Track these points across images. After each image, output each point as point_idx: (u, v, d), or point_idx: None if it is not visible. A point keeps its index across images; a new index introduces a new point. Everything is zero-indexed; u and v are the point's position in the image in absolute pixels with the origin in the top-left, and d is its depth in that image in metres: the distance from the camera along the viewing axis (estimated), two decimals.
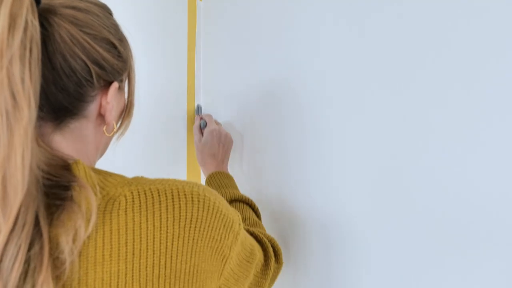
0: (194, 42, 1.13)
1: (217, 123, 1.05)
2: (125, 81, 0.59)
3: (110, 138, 0.61)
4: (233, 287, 0.58)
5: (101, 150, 0.59)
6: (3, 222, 0.39)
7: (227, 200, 0.81)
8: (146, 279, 0.46)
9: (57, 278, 0.43)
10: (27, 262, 0.41)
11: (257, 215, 0.85)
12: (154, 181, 0.50)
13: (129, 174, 0.53)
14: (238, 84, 1.03)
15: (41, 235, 0.42)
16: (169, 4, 1.10)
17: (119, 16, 0.61)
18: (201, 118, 1.06)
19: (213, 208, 0.51)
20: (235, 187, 0.89)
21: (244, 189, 1.00)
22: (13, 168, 0.40)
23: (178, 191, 0.49)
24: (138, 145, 1.06)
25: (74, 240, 0.43)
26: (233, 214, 0.55)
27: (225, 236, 0.53)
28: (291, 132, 0.90)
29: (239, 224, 0.56)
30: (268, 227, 0.95)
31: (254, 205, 0.84)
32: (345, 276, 0.81)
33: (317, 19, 0.85)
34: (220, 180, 0.88)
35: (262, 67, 0.96)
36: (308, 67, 0.86)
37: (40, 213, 0.42)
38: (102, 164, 0.65)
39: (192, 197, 0.50)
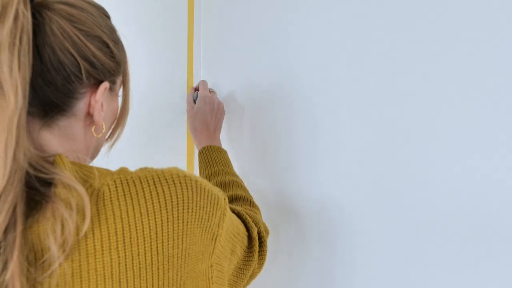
0: (194, 41, 1.13)
1: (212, 91, 1.01)
2: (119, 85, 0.59)
3: (101, 141, 0.60)
4: (224, 263, 0.57)
5: (92, 152, 0.59)
6: None
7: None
8: (140, 267, 0.46)
9: (49, 277, 0.43)
10: None
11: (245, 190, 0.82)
12: (135, 171, 0.51)
13: None
14: (239, 82, 1.03)
15: (15, 228, 0.42)
16: (169, 3, 1.10)
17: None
18: (196, 90, 1.02)
19: (196, 187, 0.51)
20: (226, 164, 0.86)
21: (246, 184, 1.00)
22: None
23: (159, 177, 0.49)
24: (137, 144, 1.06)
25: (63, 238, 0.43)
26: (217, 190, 0.55)
27: (212, 214, 0.52)
28: (291, 130, 0.90)
29: (224, 199, 0.56)
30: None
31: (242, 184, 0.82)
32: (340, 274, 0.81)
33: (318, 16, 0.85)
34: (211, 155, 0.86)
35: (262, 65, 0.96)
36: (310, 64, 0.86)
37: (18, 205, 0.42)
38: (98, 163, 0.64)
39: (173, 181, 0.50)
